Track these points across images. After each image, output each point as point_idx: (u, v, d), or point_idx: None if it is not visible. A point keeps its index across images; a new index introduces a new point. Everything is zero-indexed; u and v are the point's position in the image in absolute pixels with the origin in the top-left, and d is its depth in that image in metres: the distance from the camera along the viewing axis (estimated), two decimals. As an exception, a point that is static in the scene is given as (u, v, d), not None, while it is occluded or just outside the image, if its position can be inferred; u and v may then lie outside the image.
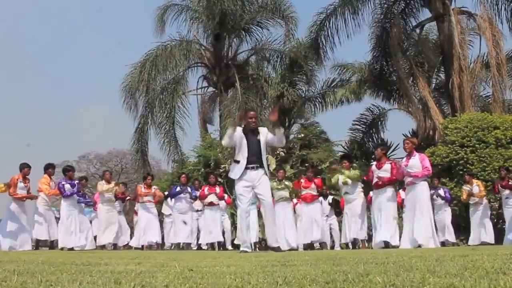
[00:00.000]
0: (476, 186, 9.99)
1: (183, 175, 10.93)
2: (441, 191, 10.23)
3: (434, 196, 9.80)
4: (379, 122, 19.65)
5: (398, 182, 8.01)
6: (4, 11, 52.86)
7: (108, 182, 10.25)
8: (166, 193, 11.15)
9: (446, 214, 10.17)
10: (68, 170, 9.39)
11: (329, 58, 17.27)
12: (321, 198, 9.76)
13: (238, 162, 6.01)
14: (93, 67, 60.55)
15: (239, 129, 6.10)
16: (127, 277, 2.04)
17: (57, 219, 9.59)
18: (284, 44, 17.99)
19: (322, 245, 9.68)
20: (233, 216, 12.18)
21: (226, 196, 11.25)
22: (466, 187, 10.10)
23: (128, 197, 11.49)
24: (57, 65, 59.90)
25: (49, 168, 9.53)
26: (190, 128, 25.18)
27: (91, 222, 10.58)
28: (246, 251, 5.80)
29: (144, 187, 10.40)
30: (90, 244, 9.39)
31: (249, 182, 5.94)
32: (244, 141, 5.99)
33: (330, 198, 11.22)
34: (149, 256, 4.53)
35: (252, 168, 5.94)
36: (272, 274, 2.08)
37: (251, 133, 6.06)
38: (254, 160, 5.95)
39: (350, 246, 10.62)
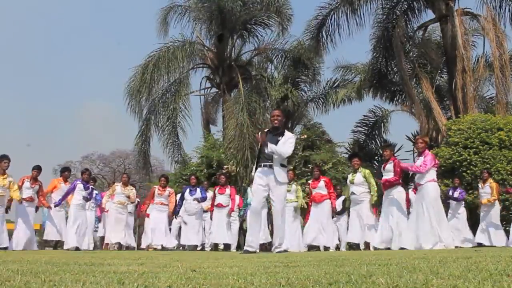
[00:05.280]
0: (488, 187, 9.81)
1: (193, 177, 10.81)
2: (456, 192, 10.19)
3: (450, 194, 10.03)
4: (382, 124, 19.63)
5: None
6: (4, 11, 53.09)
7: (126, 185, 10.32)
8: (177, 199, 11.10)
9: (459, 216, 10.08)
10: (83, 173, 9.75)
11: (329, 52, 17.32)
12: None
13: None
14: (97, 66, 60.86)
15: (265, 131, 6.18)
16: (130, 278, 2.04)
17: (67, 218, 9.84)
18: (278, 38, 18.11)
19: (327, 248, 9.56)
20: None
21: (238, 197, 11.14)
22: (480, 185, 10.05)
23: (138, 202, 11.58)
24: (60, 65, 60.24)
25: (64, 172, 10.34)
26: (193, 129, 25.23)
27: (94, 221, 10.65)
28: (249, 251, 5.74)
29: (159, 189, 10.41)
30: (89, 245, 9.61)
31: (264, 181, 5.89)
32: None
33: (342, 198, 11.02)
34: (152, 257, 4.53)
35: (265, 165, 5.91)
36: (275, 275, 2.08)
37: (272, 133, 6.02)
38: (268, 160, 5.91)
39: (354, 247, 10.55)
